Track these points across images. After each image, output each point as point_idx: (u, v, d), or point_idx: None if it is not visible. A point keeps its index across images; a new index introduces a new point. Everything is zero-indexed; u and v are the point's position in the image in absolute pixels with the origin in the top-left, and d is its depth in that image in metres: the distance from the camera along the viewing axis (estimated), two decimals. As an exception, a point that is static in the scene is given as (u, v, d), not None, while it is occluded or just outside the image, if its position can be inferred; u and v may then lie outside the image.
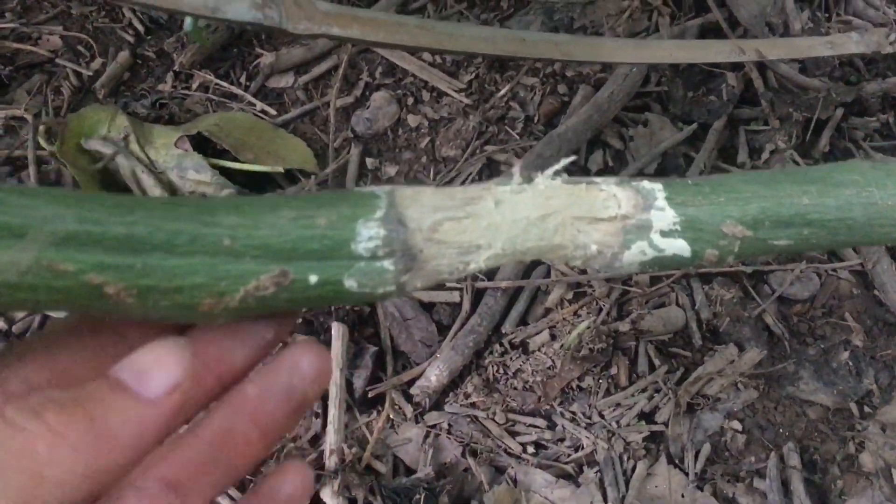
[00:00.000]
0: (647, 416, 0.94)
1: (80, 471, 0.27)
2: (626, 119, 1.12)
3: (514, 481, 0.90)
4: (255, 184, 1.10)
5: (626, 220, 0.45)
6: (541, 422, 0.93)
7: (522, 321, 1.00)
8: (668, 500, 0.88)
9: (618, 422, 0.93)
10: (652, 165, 1.08)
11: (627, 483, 0.89)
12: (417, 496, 0.87)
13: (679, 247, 0.45)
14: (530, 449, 0.92)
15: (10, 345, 0.34)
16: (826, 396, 0.93)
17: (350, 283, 0.39)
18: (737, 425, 0.92)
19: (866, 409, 0.92)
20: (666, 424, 0.92)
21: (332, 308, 0.99)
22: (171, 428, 0.32)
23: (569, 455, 0.91)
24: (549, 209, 0.44)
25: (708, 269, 1.01)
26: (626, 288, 1.00)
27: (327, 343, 0.97)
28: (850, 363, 0.94)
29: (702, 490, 0.88)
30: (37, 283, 0.33)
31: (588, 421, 0.93)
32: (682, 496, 0.88)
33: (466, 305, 1.01)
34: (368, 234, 0.39)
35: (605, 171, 1.10)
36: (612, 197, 0.45)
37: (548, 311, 1.00)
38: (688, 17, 1.22)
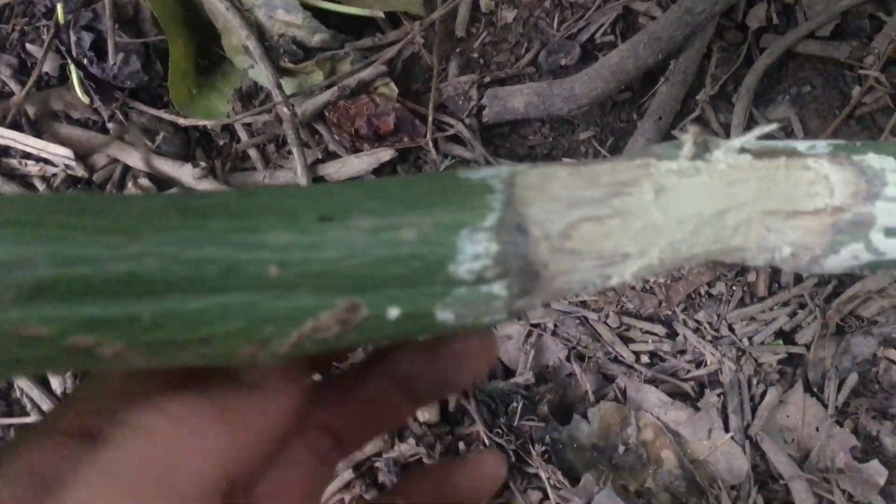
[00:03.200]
0: (786, 336, 0.81)
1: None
2: (802, -35, 0.92)
3: (624, 395, 0.81)
4: (351, 27, 0.97)
5: (838, 213, 0.32)
6: (660, 329, 0.83)
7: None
8: (800, 432, 0.78)
9: (750, 338, 0.81)
10: (827, 27, 0.88)
11: (754, 411, 0.78)
12: (515, 403, 0.79)
13: (909, 250, 0.32)
14: (644, 359, 0.82)
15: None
16: None
17: (444, 316, 0.28)
18: (893, 354, 0.79)
19: None
20: (808, 347, 0.80)
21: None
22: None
23: (688, 371, 0.81)
24: (730, 201, 0.31)
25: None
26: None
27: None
28: None
29: (841, 425, 0.77)
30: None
31: (715, 334, 0.81)
32: (817, 429, 0.78)
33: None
34: (475, 252, 0.27)
35: (767, 30, 0.91)
36: (822, 179, 0.32)
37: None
38: None
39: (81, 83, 0.93)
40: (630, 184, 0.30)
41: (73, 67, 0.93)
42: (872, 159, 0.32)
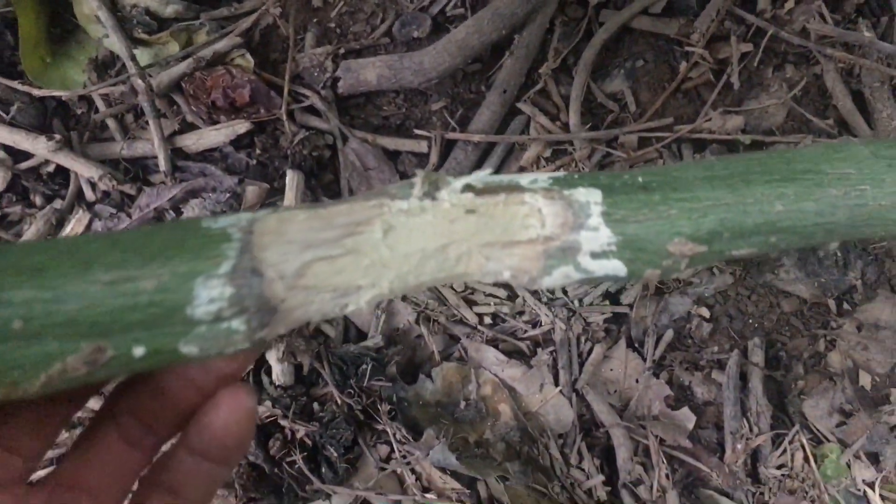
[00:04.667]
0: (613, 297, 0.89)
1: None
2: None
3: (465, 355, 0.87)
4: (207, -3, 0.97)
5: (549, 242, 0.37)
6: (501, 292, 0.89)
7: (494, 178, 0.92)
8: (621, 384, 0.86)
9: (580, 300, 0.88)
10: (659, 4, 0.93)
11: (581, 366, 0.86)
12: (365, 366, 0.85)
13: (612, 267, 0.38)
14: (487, 320, 0.88)
15: None
16: (805, 288, 0.87)
17: (188, 349, 0.32)
18: (705, 312, 0.87)
19: (845, 305, 0.87)
20: (631, 306, 0.87)
21: (288, 152, 0.92)
22: None
23: (525, 332, 0.87)
24: (451, 237, 0.36)
25: (702, 135, 0.91)
26: (610, 151, 0.91)
27: (281, 190, 0.90)
28: (839, 254, 0.88)
29: (657, 377, 0.86)
30: None
31: (550, 296, 0.88)
32: (637, 381, 0.86)
33: (434, 157, 0.93)
34: (209, 296, 0.31)
35: (606, 6, 0.96)
36: (535, 213, 0.37)
37: (522, 169, 0.92)
38: None
39: (-73, 54, 0.92)
40: (363, 223, 0.35)
41: (-83, 38, 0.91)
42: (581, 193, 0.38)
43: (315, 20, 0.99)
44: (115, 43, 0.93)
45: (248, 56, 0.95)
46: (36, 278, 0.29)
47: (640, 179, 0.39)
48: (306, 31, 0.99)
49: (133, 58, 0.91)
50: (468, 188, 0.37)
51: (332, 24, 0.99)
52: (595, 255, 0.37)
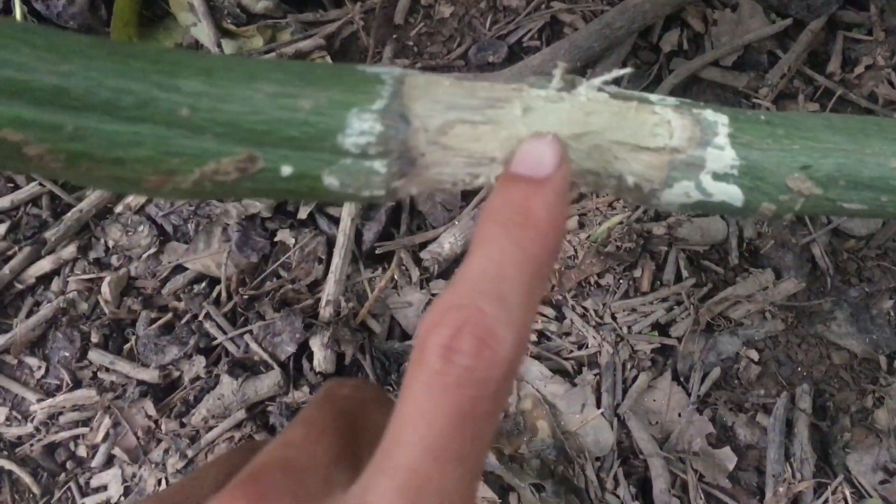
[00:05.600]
0: (662, 328, 0.88)
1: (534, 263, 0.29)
2: (715, -2, 1.00)
3: (510, 367, 0.86)
4: (295, 0, 1.01)
5: (675, 153, 0.38)
6: (549, 311, 0.89)
7: (553, 202, 0.94)
8: (663, 416, 0.85)
9: (629, 327, 0.88)
10: (731, 57, 0.96)
11: (625, 392, 0.85)
12: (406, 363, 0.84)
13: (731, 194, 0.38)
14: (533, 337, 0.88)
15: None
16: (856, 343, 0.86)
17: (330, 181, 0.33)
18: (754, 355, 0.87)
19: (896, 364, 0.87)
20: (679, 340, 0.87)
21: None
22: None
23: (570, 351, 0.87)
24: (585, 127, 0.36)
25: (764, 184, 0.92)
26: (671, 188, 0.92)
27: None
28: (892, 313, 0.87)
29: (701, 413, 0.84)
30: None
31: (599, 321, 0.88)
32: (679, 415, 0.85)
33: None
34: (361, 128, 0.32)
35: (678, 54, 0.99)
36: (664, 123, 0.38)
37: (581, 196, 0.93)
38: None
39: (24, 17, 0.95)
40: (503, 100, 0.36)
41: (17, 1, 0.95)
42: (709, 114, 0.39)
43: (394, 36, 1.02)
44: (202, 30, 0.96)
45: (328, 58, 0.98)
46: (206, 76, 0.30)
47: (762, 117, 0.40)
48: (385, 45, 1.02)
49: (219, 45, 0.95)
50: (603, 89, 0.38)
51: (411, 42, 1.03)
52: (717, 177, 0.38)
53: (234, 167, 0.31)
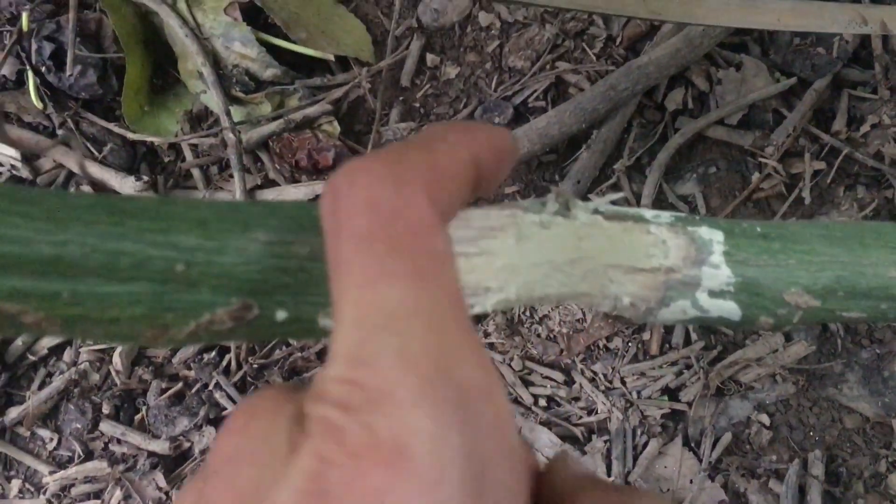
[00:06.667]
0: (672, 392, 0.88)
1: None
2: (719, 57, 1.00)
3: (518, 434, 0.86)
4: (304, 66, 1.02)
5: (670, 273, 0.38)
6: (558, 376, 0.89)
7: (560, 264, 0.94)
8: (674, 483, 0.84)
9: (639, 392, 0.87)
10: (735, 116, 0.97)
11: (636, 459, 0.84)
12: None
13: (728, 310, 0.38)
14: (542, 402, 0.88)
15: None
16: (868, 406, 0.86)
17: (326, 322, 0.33)
18: (765, 419, 0.86)
19: (909, 428, 0.86)
20: (689, 404, 0.86)
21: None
22: None
23: (580, 417, 0.87)
24: (580, 252, 0.37)
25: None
26: (679, 249, 0.92)
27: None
28: (904, 375, 0.87)
29: (713, 480, 0.84)
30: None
31: (608, 385, 0.88)
32: (691, 482, 0.84)
33: (504, 237, 0.95)
34: (353, 270, 0.32)
35: (683, 113, 0.99)
36: (660, 244, 0.38)
37: (589, 258, 0.93)
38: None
39: (37, 89, 0.97)
40: (497, 229, 0.36)
41: (30, 73, 0.97)
42: (704, 231, 0.39)
43: (401, 98, 1.03)
44: (212, 98, 0.98)
45: (336, 123, 0.99)
46: (201, 228, 0.31)
47: (758, 229, 0.40)
48: (392, 108, 1.03)
49: (228, 113, 0.96)
50: (597, 212, 0.38)
51: (417, 104, 1.03)
52: (713, 294, 0.38)
53: (229, 317, 0.31)
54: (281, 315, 0.32)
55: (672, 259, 0.38)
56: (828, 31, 0.71)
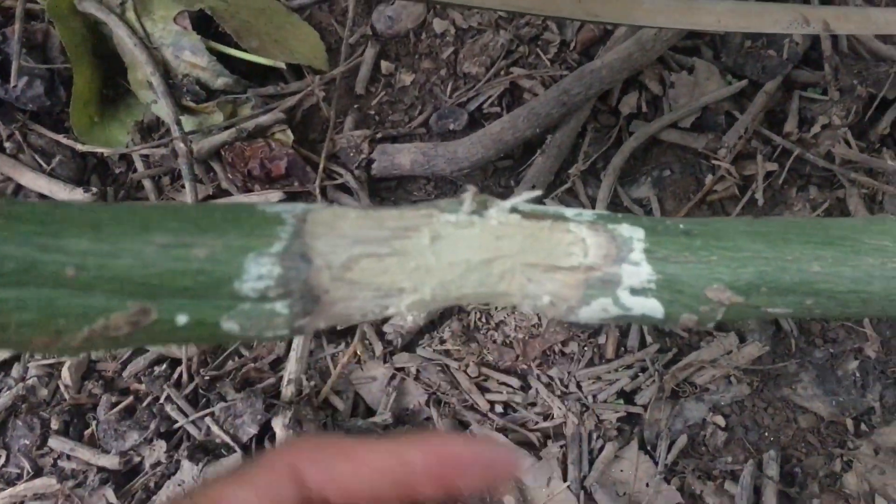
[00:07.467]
0: (627, 396, 0.88)
1: None
2: (671, 61, 1.01)
3: (475, 441, 0.85)
4: (256, 74, 1.02)
5: (590, 271, 0.37)
6: (514, 381, 0.88)
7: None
8: (631, 486, 0.84)
9: (595, 396, 0.87)
10: (689, 119, 0.97)
11: (592, 463, 0.84)
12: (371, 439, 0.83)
13: (650, 307, 0.38)
14: (498, 408, 0.87)
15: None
16: (823, 406, 0.86)
17: (229, 326, 0.32)
18: (720, 421, 0.86)
19: (863, 426, 0.86)
20: (645, 407, 0.86)
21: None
22: None
23: (536, 423, 0.86)
24: (496, 252, 0.36)
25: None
26: (633, 252, 0.92)
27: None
28: (857, 374, 0.87)
29: (668, 482, 0.84)
30: None
31: (564, 390, 0.87)
32: (647, 485, 0.84)
33: (459, 243, 0.94)
34: (258, 273, 0.32)
35: (637, 117, 0.99)
36: (579, 242, 0.38)
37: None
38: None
39: (-17, 102, 0.96)
40: (412, 229, 0.35)
41: (-25, 85, 0.95)
42: (625, 229, 0.38)
43: (356, 106, 1.03)
44: (162, 108, 0.96)
45: (289, 132, 0.98)
46: (93, 231, 0.30)
47: (681, 226, 0.40)
48: (346, 115, 1.02)
49: (178, 122, 0.95)
50: (515, 210, 0.38)
51: (372, 112, 1.03)
52: (634, 291, 0.38)
53: (126, 322, 0.30)
54: (182, 319, 0.31)
55: (592, 257, 0.37)
56: (769, 31, 0.71)
